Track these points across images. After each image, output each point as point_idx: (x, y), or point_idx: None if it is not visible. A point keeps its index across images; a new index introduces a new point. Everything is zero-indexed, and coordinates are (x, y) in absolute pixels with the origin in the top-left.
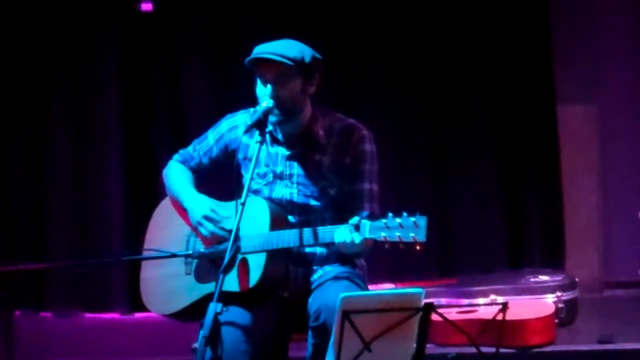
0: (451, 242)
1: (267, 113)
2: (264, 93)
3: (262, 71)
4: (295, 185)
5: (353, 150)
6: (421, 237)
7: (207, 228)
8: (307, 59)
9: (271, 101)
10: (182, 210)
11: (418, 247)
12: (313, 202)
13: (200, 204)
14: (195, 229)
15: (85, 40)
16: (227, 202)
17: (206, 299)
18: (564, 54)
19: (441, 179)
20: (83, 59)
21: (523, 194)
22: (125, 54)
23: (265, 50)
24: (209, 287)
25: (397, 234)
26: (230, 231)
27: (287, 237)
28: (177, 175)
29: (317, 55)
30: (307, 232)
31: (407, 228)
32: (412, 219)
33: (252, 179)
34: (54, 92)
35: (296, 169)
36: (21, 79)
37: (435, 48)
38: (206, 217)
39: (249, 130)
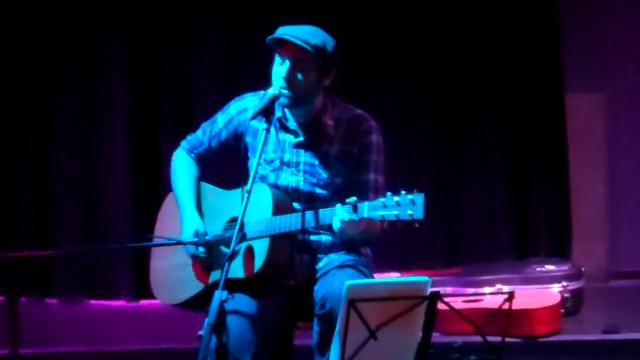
0: (457, 231)
1: (274, 100)
2: (278, 74)
3: (281, 52)
4: (301, 173)
5: (360, 140)
6: (418, 214)
7: (188, 250)
8: (329, 50)
9: (278, 87)
10: None
11: (417, 225)
12: (319, 191)
13: (189, 226)
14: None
15: (90, 25)
16: (232, 189)
17: (212, 289)
18: (573, 44)
19: (448, 168)
20: (89, 45)
21: (530, 184)
22: (132, 39)
23: (289, 32)
24: (214, 277)
25: (395, 212)
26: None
27: (289, 221)
28: (180, 174)
29: (339, 49)
30: (308, 214)
31: (404, 206)
32: (410, 196)
33: (258, 165)
34: (60, 78)
35: (303, 157)
36: (26, 64)
37: (444, 37)
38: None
39: (255, 116)
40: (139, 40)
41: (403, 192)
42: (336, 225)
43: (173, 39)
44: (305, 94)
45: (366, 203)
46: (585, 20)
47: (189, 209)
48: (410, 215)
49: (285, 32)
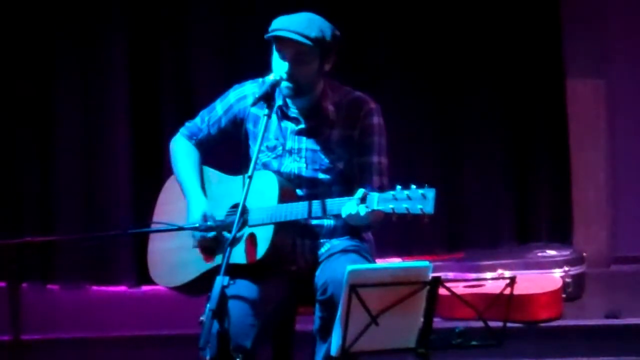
0: (459, 217)
1: (274, 86)
2: (280, 68)
3: (281, 47)
4: (303, 159)
5: (361, 123)
6: (429, 209)
7: (195, 235)
8: (328, 38)
9: (279, 74)
10: None
11: (426, 219)
12: (321, 176)
13: (197, 208)
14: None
15: (91, 13)
16: (234, 175)
17: (212, 273)
18: (573, 29)
19: (450, 153)
20: (90, 31)
21: (531, 169)
22: (133, 25)
23: (286, 26)
24: (215, 261)
25: (405, 205)
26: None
27: (295, 210)
28: (182, 158)
29: (337, 33)
30: (315, 204)
31: (415, 200)
32: (421, 191)
33: (259, 152)
34: (60, 66)
35: (305, 143)
36: (26, 50)
37: (445, 21)
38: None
39: (256, 102)
40: (140, 27)
41: (413, 186)
42: (345, 216)
43: (173, 25)
44: (308, 84)
45: (376, 195)
46: (585, 5)
47: (195, 192)
48: (421, 209)
49: (282, 26)
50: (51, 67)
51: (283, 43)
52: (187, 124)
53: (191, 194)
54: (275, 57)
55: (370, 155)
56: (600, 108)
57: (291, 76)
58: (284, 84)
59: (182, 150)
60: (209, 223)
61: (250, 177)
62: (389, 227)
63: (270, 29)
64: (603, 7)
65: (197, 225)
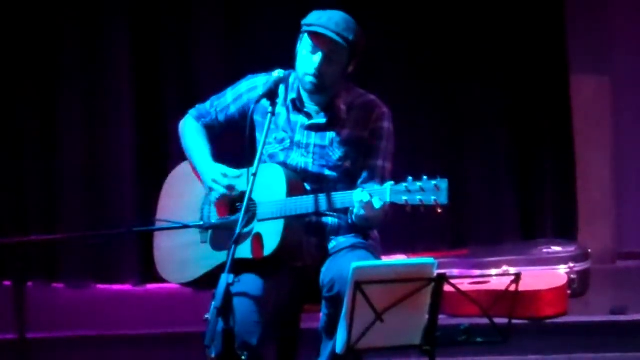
0: (464, 213)
1: (278, 83)
2: (306, 64)
3: (316, 42)
4: (310, 155)
5: (372, 126)
6: (443, 199)
7: (217, 190)
8: (360, 42)
9: (282, 71)
10: (197, 177)
11: (439, 210)
12: (327, 172)
13: (212, 169)
14: (208, 194)
15: (93, 9)
16: (240, 169)
17: (223, 267)
18: (577, 25)
19: (453, 150)
20: (92, 28)
21: (536, 165)
22: (134, 22)
23: (326, 24)
24: (222, 257)
25: (419, 197)
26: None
27: (306, 203)
28: (192, 135)
29: (365, 38)
30: (325, 197)
31: (428, 191)
32: (433, 182)
33: (263, 148)
34: (63, 65)
35: (313, 139)
36: (29, 47)
37: (449, 16)
38: (214, 181)
39: (259, 100)
40: (142, 23)
41: (425, 177)
42: (357, 209)
43: (176, 21)
44: (331, 83)
45: (389, 187)
46: (589, 1)
47: (206, 159)
48: (435, 201)
49: (321, 23)
50: (54, 64)
51: (319, 39)
52: (197, 105)
53: (203, 160)
54: (301, 51)
55: (376, 158)
56: (605, 103)
57: (320, 72)
58: (309, 78)
59: (191, 129)
60: (224, 181)
61: (254, 175)
62: (394, 224)
63: (305, 22)
64: (607, 2)
65: (210, 181)
